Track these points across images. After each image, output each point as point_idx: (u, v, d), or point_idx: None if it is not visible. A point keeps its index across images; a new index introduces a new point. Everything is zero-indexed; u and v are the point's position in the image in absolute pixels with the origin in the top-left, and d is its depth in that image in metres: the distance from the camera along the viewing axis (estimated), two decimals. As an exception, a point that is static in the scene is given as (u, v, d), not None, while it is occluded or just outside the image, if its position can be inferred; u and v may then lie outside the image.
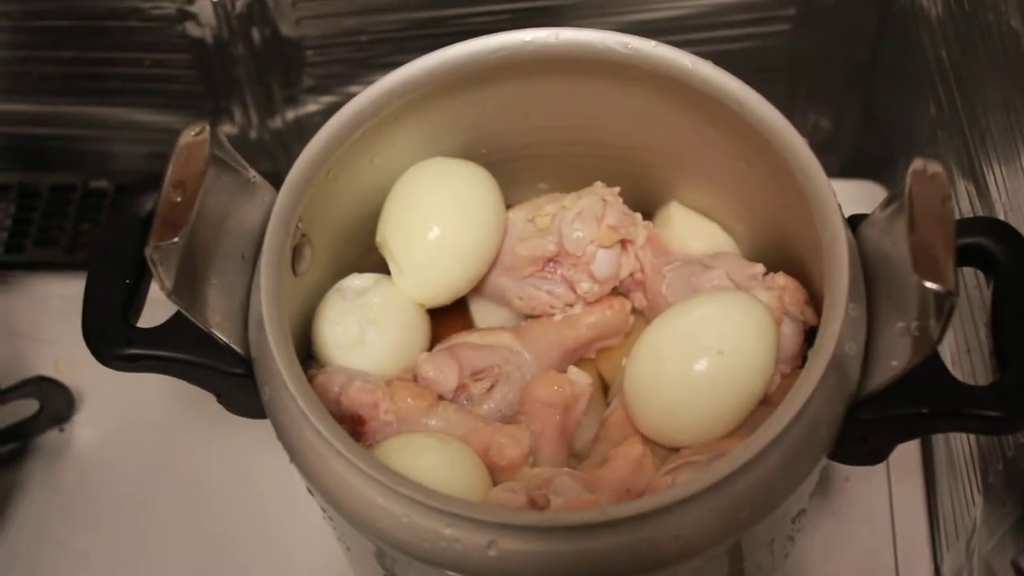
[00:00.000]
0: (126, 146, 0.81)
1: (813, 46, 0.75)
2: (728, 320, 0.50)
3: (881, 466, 0.66)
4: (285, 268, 0.50)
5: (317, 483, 0.46)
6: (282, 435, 0.48)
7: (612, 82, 0.54)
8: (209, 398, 0.52)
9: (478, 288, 0.57)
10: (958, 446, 0.61)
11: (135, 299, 0.51)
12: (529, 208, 0.57)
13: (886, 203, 0.48)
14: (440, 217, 0.55)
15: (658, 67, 0.51)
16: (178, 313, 0.49)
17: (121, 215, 0.52)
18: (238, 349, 0.49)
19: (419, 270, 0.55)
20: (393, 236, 0.55)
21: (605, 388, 0.57)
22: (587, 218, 0.56)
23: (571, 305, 0.57)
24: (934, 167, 0.44)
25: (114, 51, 0.74)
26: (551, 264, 0.56)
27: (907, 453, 0.67)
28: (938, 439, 0.66)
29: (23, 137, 0.80)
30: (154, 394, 0.71)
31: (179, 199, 0.46)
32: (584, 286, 0.56)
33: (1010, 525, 0.54)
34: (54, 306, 0.76)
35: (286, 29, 0.73)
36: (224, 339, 0.49)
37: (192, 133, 0.48)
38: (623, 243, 0.56)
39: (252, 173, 0.51)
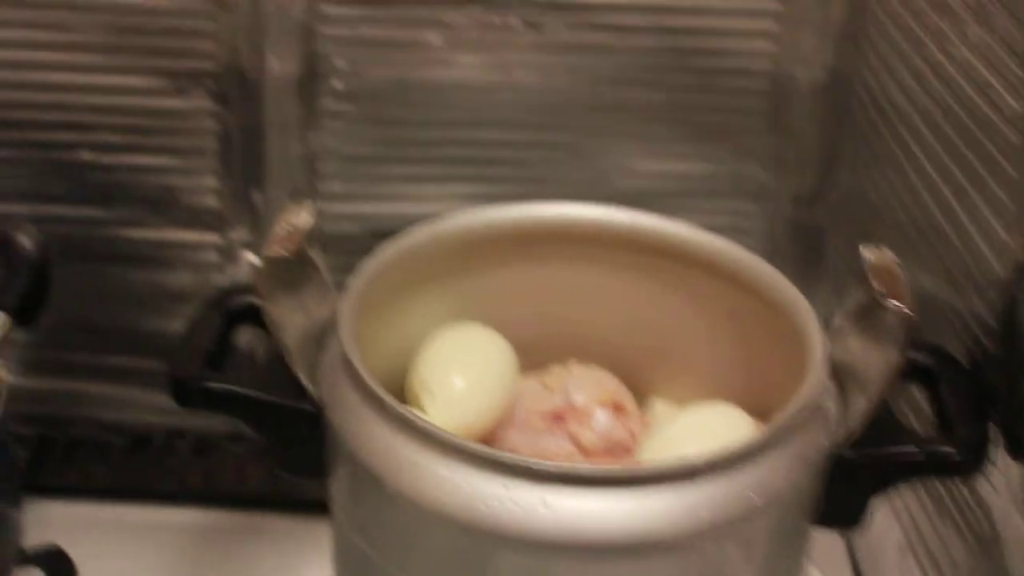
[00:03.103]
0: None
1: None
2: (718, 416, 0.60)
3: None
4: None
5: (388, 476, 0.52)
6: (352, 445, 0.53)
7: (613, 269, 0.67)
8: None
9: (493, 444, 0.65)
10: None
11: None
12: (539, 376, 0.67)
13: (840, 324, 0.60)
14: (473, 359, 0.65)
15: (652, 234, 0.65)
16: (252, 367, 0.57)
17: (209, 309, 0.61)
18: (309, 388, 0.56)
19: (451, 400, 0.63)
20: (431, 372, 0.64)
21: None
22: (590, 381, 0.66)
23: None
24: (880, 247, 0.57)
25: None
26: (558, 421, 0.65)
27: None
28: None
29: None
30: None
31: (291, 232, 0.56)
32: (587, 436, 0.64)
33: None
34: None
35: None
36: (299, 372, 0.56)
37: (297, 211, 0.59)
38: (618, 412, 0.66)
39: (327, 277, 0.61)
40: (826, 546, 0.77)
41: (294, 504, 0.79)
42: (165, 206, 0.82)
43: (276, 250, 0.55)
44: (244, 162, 0.81)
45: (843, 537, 0.79)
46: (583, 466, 0.56)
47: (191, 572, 0.75)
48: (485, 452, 0.50)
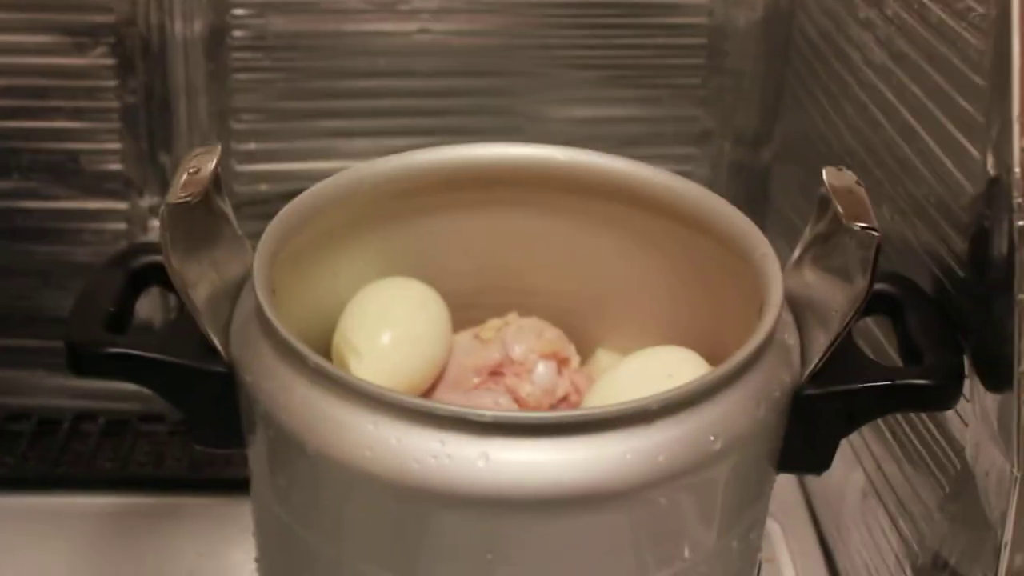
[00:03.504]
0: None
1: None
2: (670, 358, 0.56)
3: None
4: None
5: (309, 435, 0.46)
6: (267, 405, 0.48)
7: (551, 212, 0.62)
8: None
9: (425, 405, 0.60)
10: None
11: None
12: (473, 330, 0.62)
13: (798, 257, 0.56)
14: (400, 313, 0.60)
15: (589, 171, 0.60)
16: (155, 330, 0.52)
17: (110, 269, 0.56)
18: (220, 348, 0.51)
19: (379, 357, 0.58)
20: (355, 330, 0.59)
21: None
22: (528, 332, 0.61)
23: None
24: (843, 169, 0.53)
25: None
26: (495, 376, 0.60)
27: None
28: (851, 552, 0.67)
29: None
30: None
31: (196, 176, 0.51)
32: (527, 389, 0.60)
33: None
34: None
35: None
36: (207, 330, 0.51)
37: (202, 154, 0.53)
38: (560, 364, 0.61)
39: (239, 230, 0.56)
40: (781, 494, 0.73)
41: (213, 484, 0.74)
42: (67, 173, 0.76)
43: (178, 196, 0.49)
44: (150, 123, 0.75)
45: (800, 485, 0.75)
46: (525, 414, 0.51)
47: (107, 561, 0.70)
48: (416, 404, 0.45)
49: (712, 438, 0.47)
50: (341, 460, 0.46)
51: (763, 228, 0.79)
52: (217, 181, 0.54)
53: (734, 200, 0.79)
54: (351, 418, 0.46)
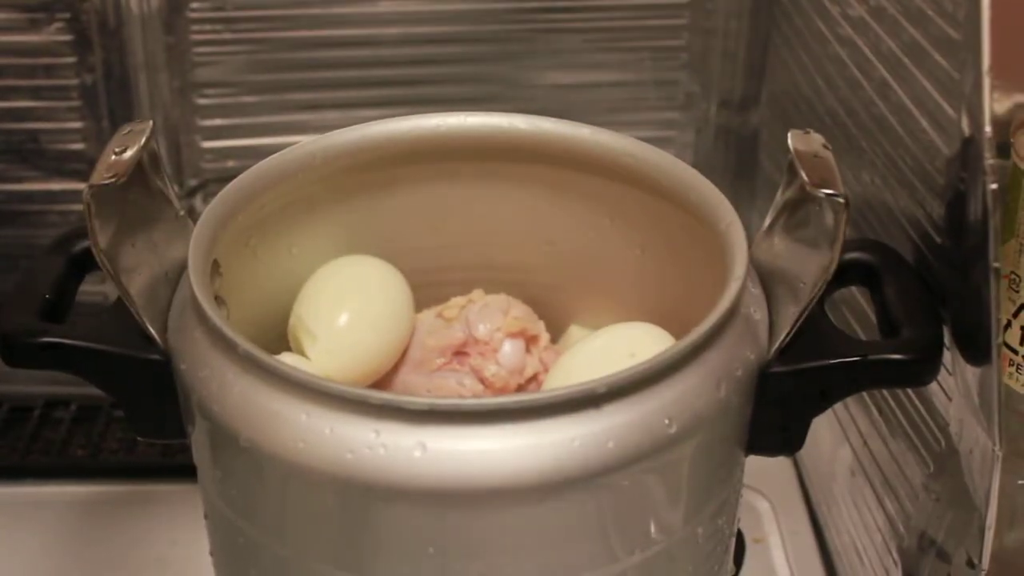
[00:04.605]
0: None
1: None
2: (634, 334, 0.53)
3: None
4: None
5: (241, 426, 0.44)
6: (201, 394, 0.46)
7: (517, 184, 0.59)
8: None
9: (387, 387, 0.58)
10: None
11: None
12: (436, 309, 0.60)
13: (768, 226, 0.53)
14: (357, 293, 0.57)
15: (551, 140, 0.57)
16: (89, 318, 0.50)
17: (49, 254, 0.53)
18: (155, 335, 0.49)
19: (335, 339, 0.56)
20: (311, 311, 0.56)
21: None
22: (494, 310, 0.58)
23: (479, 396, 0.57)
24: (810, 132, 0.50)
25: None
26: (459, 357, 0.58)
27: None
28: (840, 530, 0.65)
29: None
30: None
31: (122, 156, 0.48)
32: (492, 369, 0.57)
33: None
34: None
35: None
36: (142, 317, 0.48)
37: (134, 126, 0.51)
38: (528, 342, 0.59)
39: (180, 210, 0.54)
40: (773, 471, 0.71)
41: (186, 470, 0.71)
42: (29, 154, 0.74)
43: (102, 178, 0.47)
44: (111, 100, 0.73)
45: (791, 461, 0.73)
46: (464, 401, 0.48)
47: (78, 550, 0.68)
48: (348, 392, 0.43)
49: (667, 421, 0.44)
50: (273, 452, 0.43)
51: (753, 195, 0.77)
52: (155, 159, 0.52)
53: (723, 166, 0.77)
54: (283, 408, 0.43)
